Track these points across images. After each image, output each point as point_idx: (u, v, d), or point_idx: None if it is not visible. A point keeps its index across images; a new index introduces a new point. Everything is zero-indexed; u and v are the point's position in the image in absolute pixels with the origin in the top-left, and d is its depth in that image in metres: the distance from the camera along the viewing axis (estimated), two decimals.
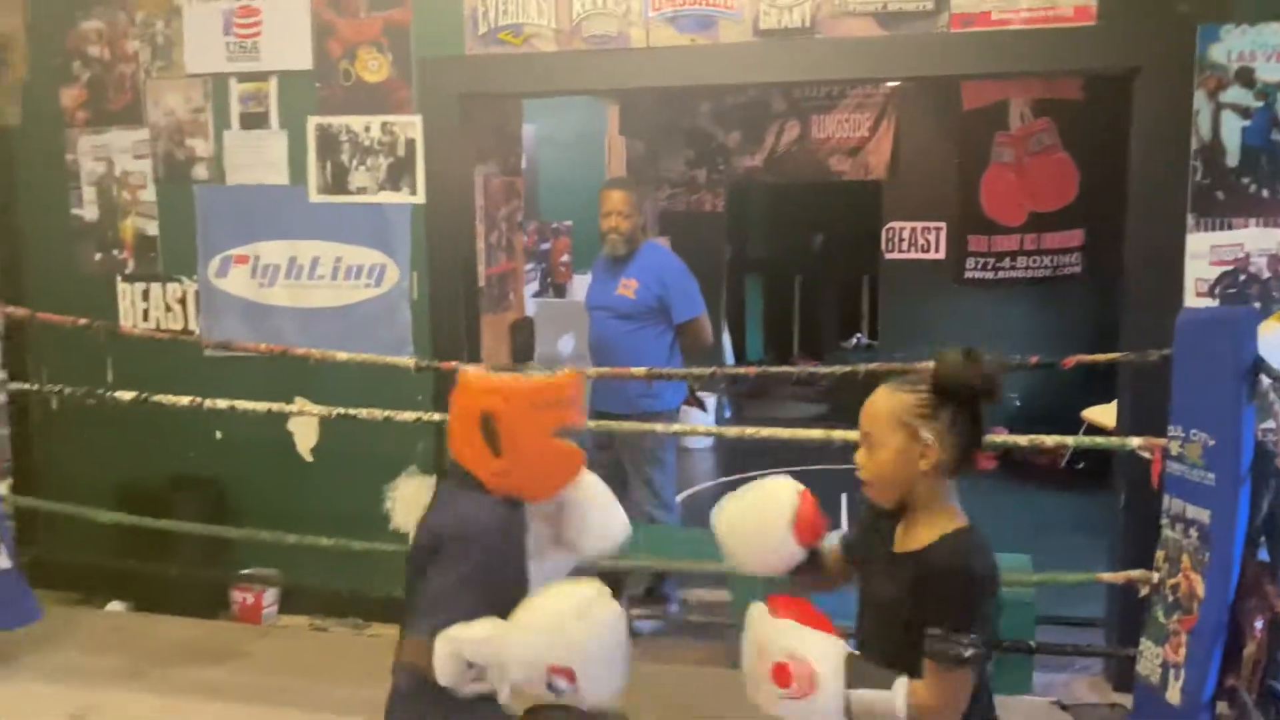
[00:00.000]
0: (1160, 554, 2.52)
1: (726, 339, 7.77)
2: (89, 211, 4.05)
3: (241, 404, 3.50)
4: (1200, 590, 2.24)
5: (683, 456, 6.11)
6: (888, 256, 7.19)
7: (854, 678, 1.54)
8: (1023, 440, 3.03)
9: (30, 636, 3.33)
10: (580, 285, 7.70)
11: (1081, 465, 6.12)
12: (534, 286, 6.77)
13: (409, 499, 3.90)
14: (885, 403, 1.63)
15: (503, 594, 1.73)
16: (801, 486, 1.81)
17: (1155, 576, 2.53)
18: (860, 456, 1.67)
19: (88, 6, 3.94)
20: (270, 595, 3.93)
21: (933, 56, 3.34)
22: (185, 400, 3.46)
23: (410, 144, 3.73)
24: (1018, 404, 6.76)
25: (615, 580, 2.72)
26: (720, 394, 7.27)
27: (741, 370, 7.07)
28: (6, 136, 4.07)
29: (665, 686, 3.27)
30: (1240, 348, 2.25)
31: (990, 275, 7.00)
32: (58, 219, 4.06)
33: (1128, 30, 3.18)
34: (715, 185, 7.44)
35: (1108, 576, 2.94)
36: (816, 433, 3.03)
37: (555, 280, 7.56)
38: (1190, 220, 3.19)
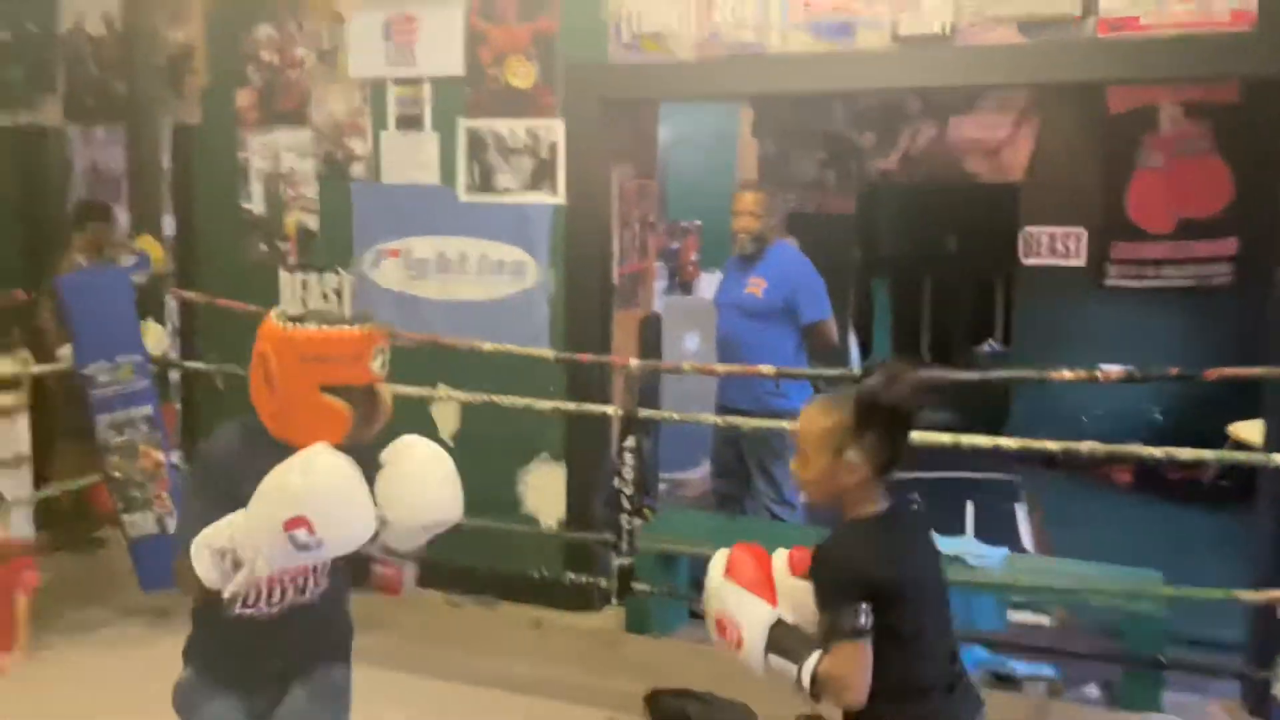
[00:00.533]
0: None
1: (853, 341, 7.74)
2: (257, 205, 4.37)
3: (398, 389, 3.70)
4: None
5: None
6: (1025, 261, 7.03)
7: (775, 644, 1.75)
8: (1158, 453, 2.98)
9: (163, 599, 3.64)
10: (707, 283, 7.80)
11: (1225, 482, 5.88)
12: (662, 284, 6.90)
13: (540, 485, 4.07)
14: (816, 423, 1.79)
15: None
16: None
17: None
18: (794, 465, 1.85)
19: (260, 16, 4.25)
20: (410, 569, 4.16)
21: (1077, 63, 3.30)
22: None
23: (553, 147, 3.89)
24: (1159, 417, 6.53)
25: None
26: None
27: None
28: (188, 135, 4.42)
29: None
30: None
31: (1134, 283, 6.77)
32: (229, 212, 4.39)
33: None
34: (846, 187, 7.42)
35: (1246, 595, 2.87)
36: (944, 437, 3.05)
37: (683, 278, 7.69)
38: None
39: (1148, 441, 6.25)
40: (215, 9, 4.33)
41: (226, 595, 1.83)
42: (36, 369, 3.79)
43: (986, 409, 6.87)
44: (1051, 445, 3.03)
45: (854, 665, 1.68)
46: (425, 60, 4.02)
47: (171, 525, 3.50)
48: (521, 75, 3.91)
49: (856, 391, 1.75)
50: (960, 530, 4.73)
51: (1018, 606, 3.77)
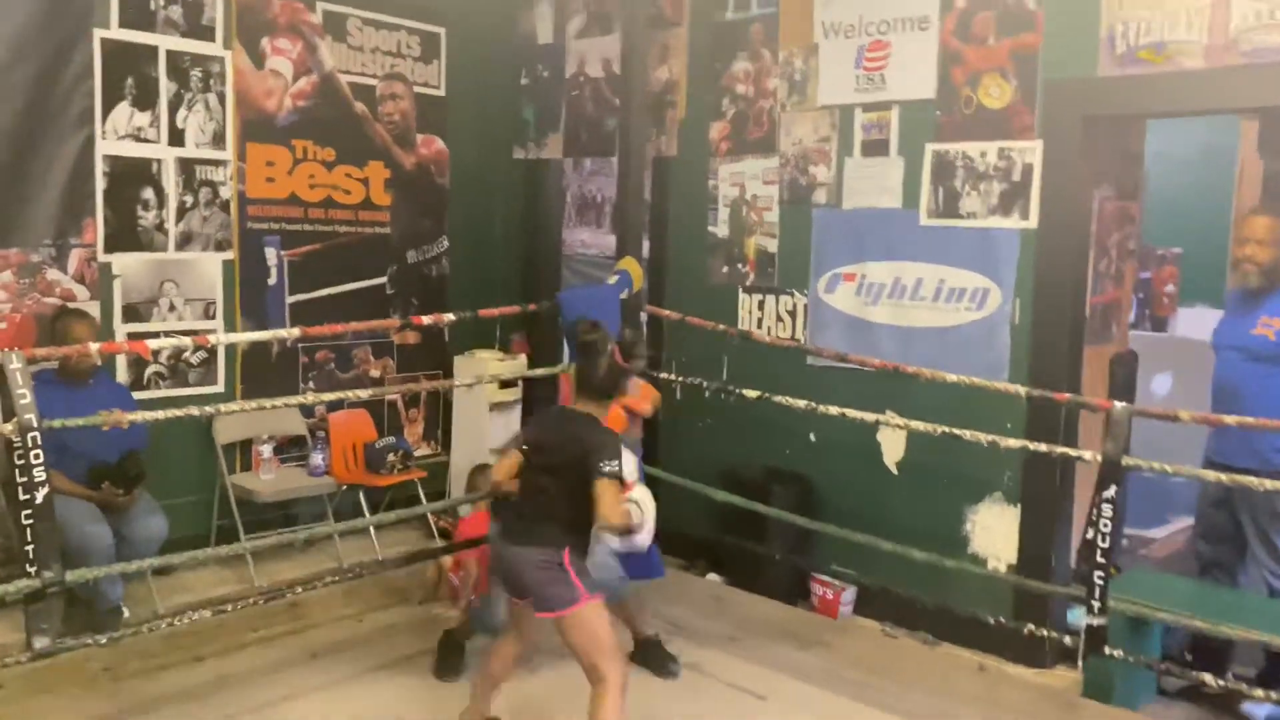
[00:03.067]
0: None
1: None
2: (721, 230, 4.62)
3: (848, 411, 3.71)
4: None
5: None
6: None
7: None
8: None
9: (655, 590, 3.91)
10: (1186, 319, 6.95)
11: None
12: (1129, 317, 6.26)
13: (989, 525, 3.87)
14: None
15: None
16: None
17: None
18: None
19: (739, 50, 4.49)
20: (848, 594, 4.15)
21: None
22: (801, 403, 3.76)
23: (1027, 169, 3.69)
24: None
25: None
26: None
27: None
28: (666, 165, 4.80)
29: None
30: None
31: None
32: (697, 235, 4.69)
33: None
34: None
35: None
36: None
37: (1155, 312, 6.91)
38: None
39: None
40: (699, 45, 4.65)
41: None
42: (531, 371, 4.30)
43: None
44: None
45: None
46: (895, 84, 4.00)
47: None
48: (996, 95, 3.75)
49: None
50: None
51: None
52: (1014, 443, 3.33)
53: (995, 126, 3.77)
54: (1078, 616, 3.69)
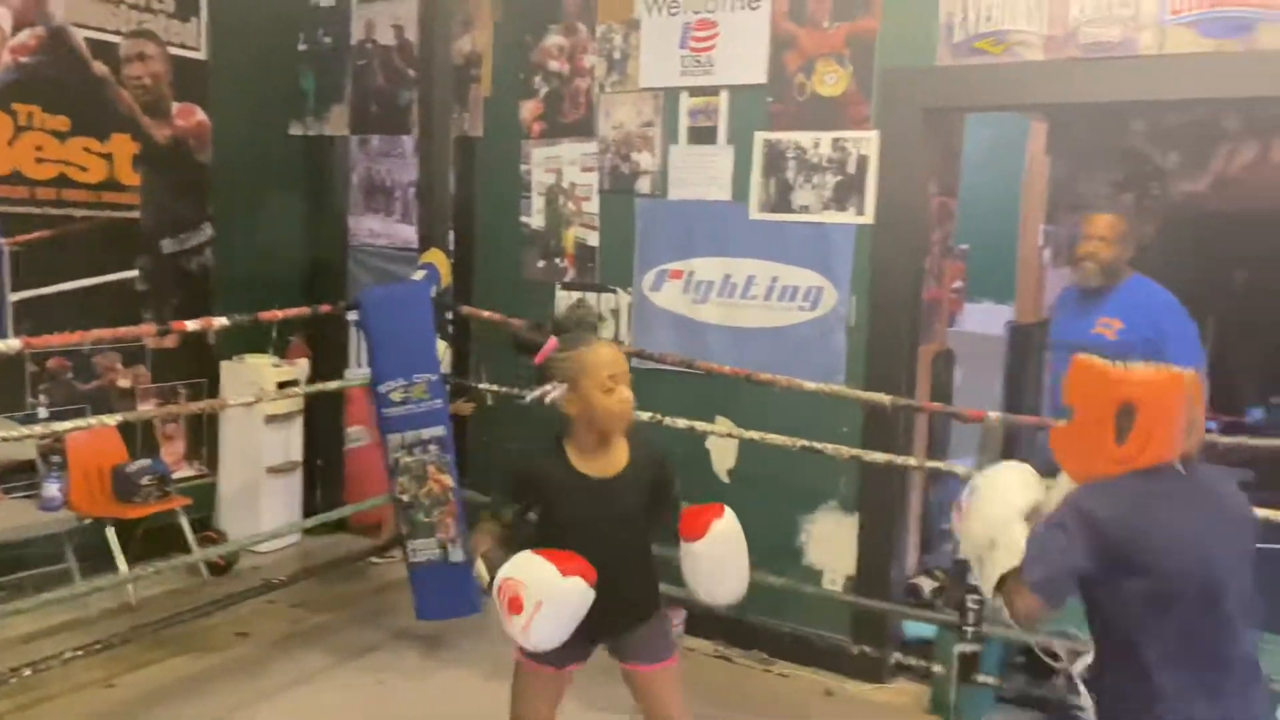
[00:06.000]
0: None
1: None
2: (536, 220, 4.21)
3: (679, 420, 3.43)
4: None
5: None
6: None
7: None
8: None
9: (468, 627, 3.47)
10: (973, 314, 7.17)
11: None
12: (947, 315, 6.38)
13: (826, 535, 3.68)
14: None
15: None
16: None
17: None
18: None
19: (552, 22, 4.08)
20: (678, 616, 3.86)
21: None
22: (645, 415, 3.42)
23: (863, 161, 3.51)
24: None
25: None
26: None
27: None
28: (470, 147, 4.32)
29: None
30: None
31: None
32: (508, 226, 4.25)
33: None
34: (1145, 211, 6.63)
35: None
36: None
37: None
38: None
39: None
40: (507, 15, 4.20)
41: None
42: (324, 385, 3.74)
43: None
44: None
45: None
46: (724, 68, 3.73)
47: (454, 553, 3.34)
48: (832, 82, 3.54)
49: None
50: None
51: None
52: (879, 456, 3.14)
53: (830, 116, 3.56)
54: (917, 628, 3.59)
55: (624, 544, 2.22)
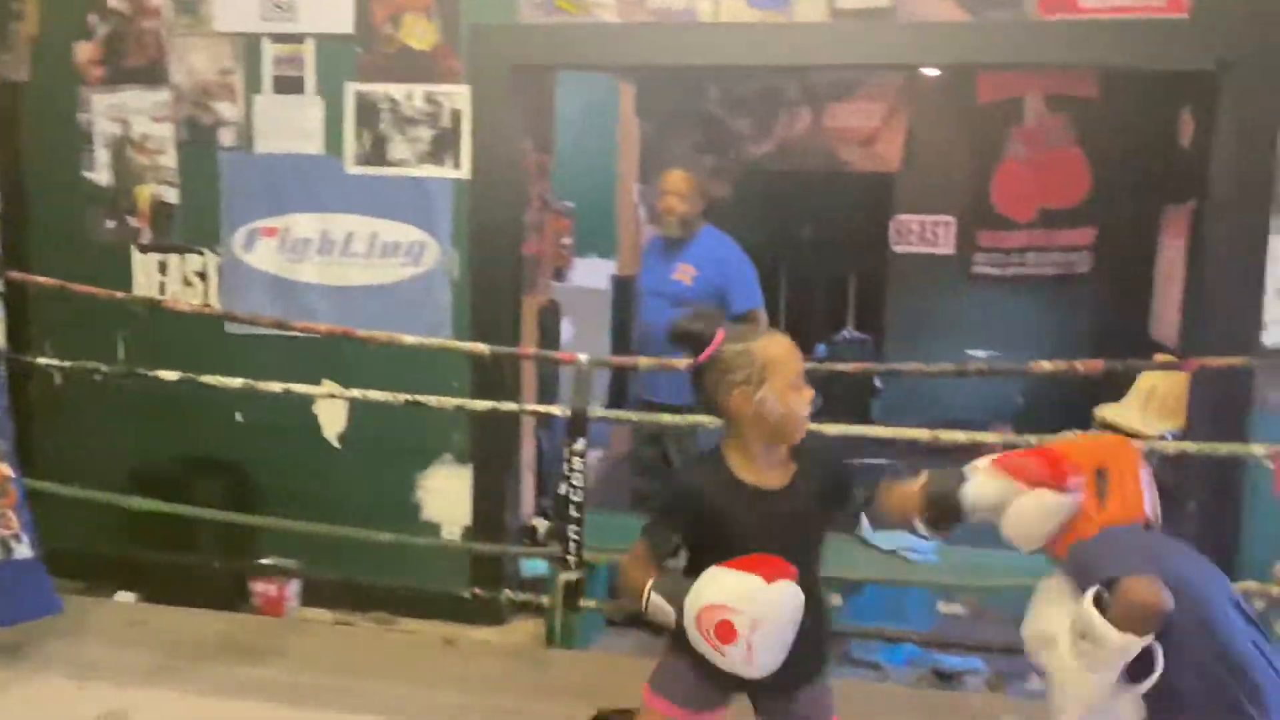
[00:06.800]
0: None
1: None
2: (102, 175, 3.79)
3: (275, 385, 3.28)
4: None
5: None
6: (895, 249, 7.12)
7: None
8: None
9: (51, 628, 3.11)
10: (581, 269, 7.51)
11: None
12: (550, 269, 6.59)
13: (441, 489, 3.72)
14: None
15: None
16: None
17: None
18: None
19: None
20: (293, 587, 3.73)
21: (1017, 44, 3.23)
22: (236, 382, 3.23)
23: (456, 115, 3.53)
24: (1021, 400, 6.74)
25: None
26: None
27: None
28: (13, 93, 3.79)
29: None
30: None
31: (998, 271, 6.97)
32: (69, 181, 3.79)
33: (1220, 23, 3.09)
34: (722, 171, 7.30)
35: None
36: (921, 432, 2.91)
37: (555, 263, 7.36)
38: (1274, 222, 3.12)
39: (1013, 423, 6.42)
40: None
41: None
42: None
43: (846, 395, 6.92)
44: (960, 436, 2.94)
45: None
46: (309, 15, 3.57)
47: (19, 549, 2.95)
48: (421, 35, 3.52)
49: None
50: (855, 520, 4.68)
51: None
52: (480, 405, 3.20)
53: (421, 69, 3.54)
54: (534, 567, 3.75)
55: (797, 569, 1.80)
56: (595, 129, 6.83)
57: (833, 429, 2.81)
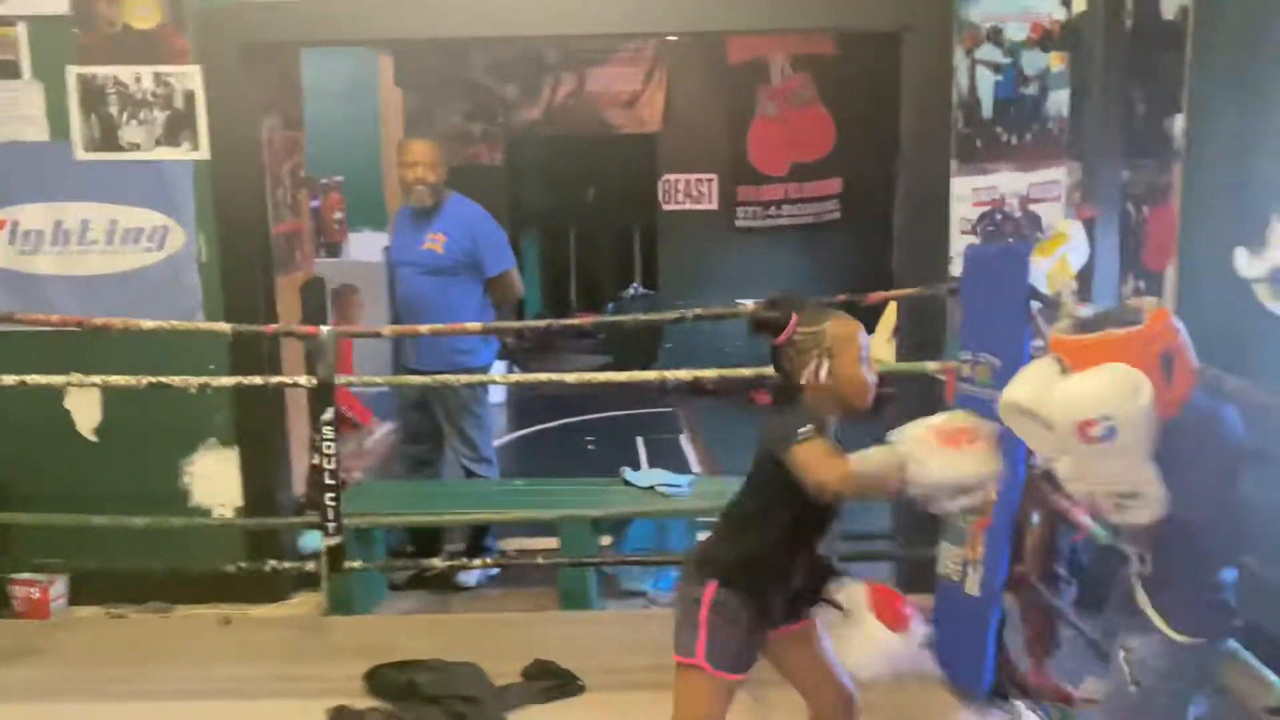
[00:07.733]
0: None
1: None
2: None
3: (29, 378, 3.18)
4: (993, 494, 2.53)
5: None
6: (665, 208, 7.44)
7: None
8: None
9: None
10: (356, 243, 7.45)
11: None
12: (310, 245, 6.49)
13: (209, 472, 3.70)
14: None
15: None
16: None
17: None
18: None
19: None
20: (58, 586, 3.63)
21: (702, 12, 3.47)
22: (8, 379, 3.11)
23: (189, 96, 3.49)
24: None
25: None
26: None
27: (564, 323, 7.07)
28: None
29: (499, 633, 3.33)
30: (1019, 277, 2.56)
31: (759, 223, 7.41)
32: None
33: None
34: (493, 138, 7.40)
35: None
36: (653, 374, 3.15)
37: (328, 239, 7.27)
38: (954, 166, 3.54)
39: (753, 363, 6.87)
40: None
41: None
42: None
43: (638, 351, 7.24)
44: (745, 372, 3.22)
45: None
46: None
47: None
48: (145, 15, 3.45)
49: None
50: (636, 463, 4.96)
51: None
52: (229, 381, 3.23)
53: (147, 50, 3.47)
54: (313, 541, 3.80)
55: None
56: (359, 101, 6.79)
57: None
